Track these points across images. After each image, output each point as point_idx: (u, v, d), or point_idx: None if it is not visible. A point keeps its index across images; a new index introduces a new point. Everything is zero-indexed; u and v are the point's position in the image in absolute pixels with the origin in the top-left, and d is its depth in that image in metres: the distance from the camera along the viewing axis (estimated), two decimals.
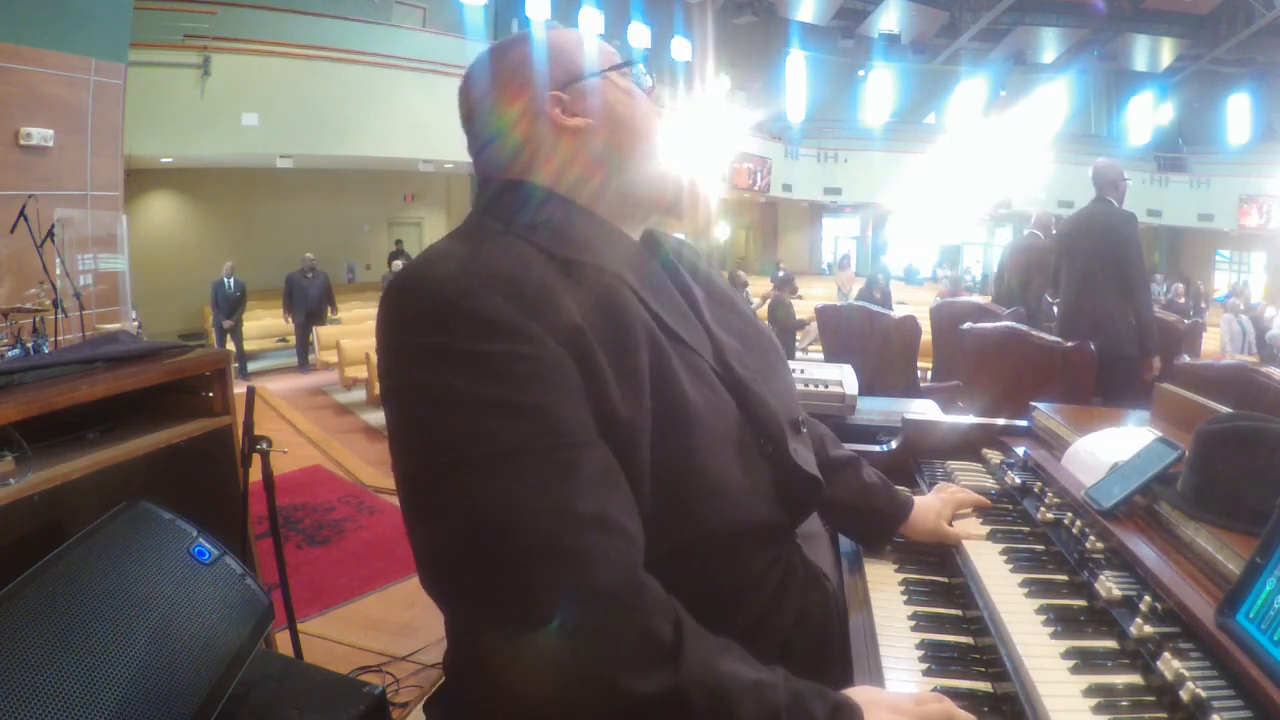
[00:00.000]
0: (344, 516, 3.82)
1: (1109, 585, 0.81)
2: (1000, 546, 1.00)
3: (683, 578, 0.67)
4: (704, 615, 0.66)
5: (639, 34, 13.43)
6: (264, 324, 9.17)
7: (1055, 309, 3.92)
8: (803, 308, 7.66)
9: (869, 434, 1.64)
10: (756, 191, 14.82)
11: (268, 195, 11.07)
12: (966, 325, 3.35)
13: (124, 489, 1.53)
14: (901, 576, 1.00)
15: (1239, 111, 15.34)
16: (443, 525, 0.62)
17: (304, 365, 8.49)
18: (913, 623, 0.89)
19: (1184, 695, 0.64)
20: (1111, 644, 0.76)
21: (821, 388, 1.74)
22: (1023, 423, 1.40)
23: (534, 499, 0.61)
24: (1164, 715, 0.65)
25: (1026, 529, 1.06)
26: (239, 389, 1.94)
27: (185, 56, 7.90)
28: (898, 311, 4.22)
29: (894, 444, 1.43)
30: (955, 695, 0.72)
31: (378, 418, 5.88)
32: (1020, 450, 1.29)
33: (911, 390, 3.36)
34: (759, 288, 9.81)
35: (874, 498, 1.03)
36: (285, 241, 10.72)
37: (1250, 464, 0.84)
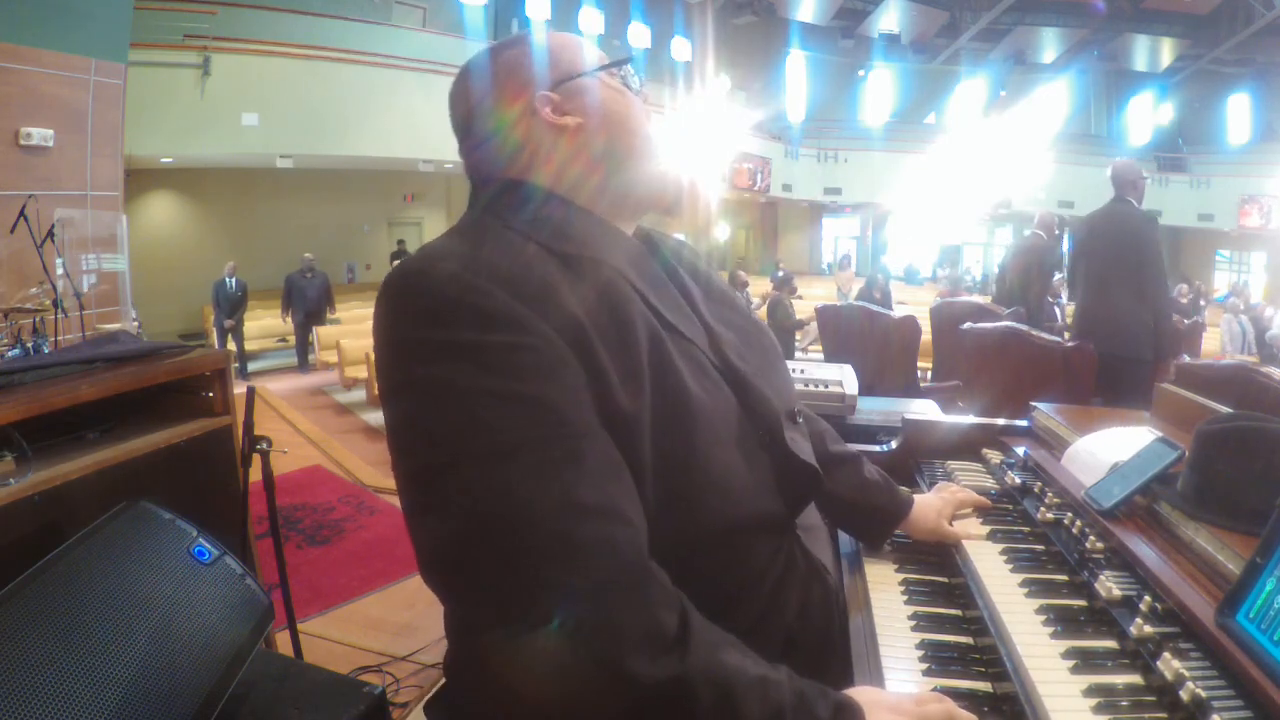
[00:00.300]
0: (344, 516, 3.82)
1: (1109, 585, 0.81)
2: (1000, 546, 1.00)
3: (684, 575, 0.67)
4: (706, 614, 0.66)
5: (639, 34, 13.42)
6: (264, 324, 9.17)
7: (1056, 309, 3.91)
8: (803, 308, 7.67)
9: (869, 434, 1.64)
10: (756, 191, 14.82)
11: (268, 195, 11.07)
12: (966, 325, 3.35)
13: (124, 489, 1.53)
14: (902, 576, 1.00)
15: (1239, 111, 15.33)
16: (445, 520, 0.62)
17: (303, 365, 8.49)
18: (913, 623, 0.89)
19: (1184, 695, 0.64)
20: (1111, 644, 0.76)
21: (821, 388, 1.74)
22: (1023, 423, 1.40)
23: (537, 490, 0.61)
24: (1164, 715, 0.65)
25: (1026, 529, 1.06)
26: (239, 389, 1.94)
27: (185, 56, 7.90)
28: (898, 311, 4.22)
29: (894, 444, 1.43)
30: (955, 695, 0.72)
31: (378, 418, 5.88)
32: (1020, 450, 1.29)
33: (911, 390, 3.36)
34: (759, 288, 9.80)
35: (875, 495, 1.03)
36: (285, 241, 10.72)
37: (1250, 464, 0.84)
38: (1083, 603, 0.84)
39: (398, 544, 3.38)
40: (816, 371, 1.80)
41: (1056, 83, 15.75)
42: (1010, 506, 1.14)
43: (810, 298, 10.05)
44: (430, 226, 13.21)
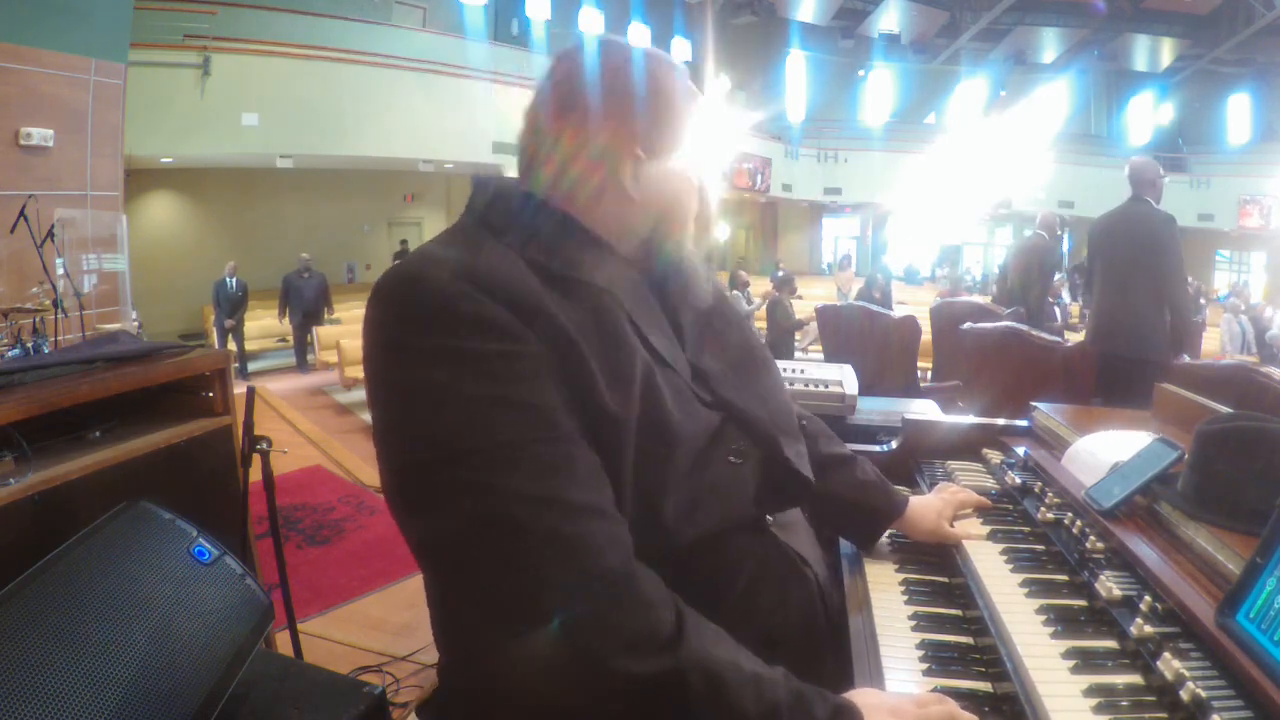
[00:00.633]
0: (344, 516, 3.82)
1: (1109, 585, 0.81)
2: (1000, 546, 1.00)
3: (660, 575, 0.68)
4: None
5: (639, 34, 13.42)
6: (264, 324, 9.16)
7: (1056, 309, 3.89)
8: (803, 308, 7.65)
9: (869, 434, 1.64)
10: (756, 191, 14.82)
11: (268, 195, 11.06)
12: (966, 325, 3.34)
13: (124, 489, 1.53)
14: (902, 577, 1.00)
15: (1239, 111, 15.34)
16: (444, 521, 0.63)
17: (302, 365, 8.48)
18: (913, 623, 0.89)
19: (1184, 695, 0.64)
20: (1112, 644, 0.76)
21: (821, 388, 1.74)
22: (1023, 423, 1.40)
23: (532, 490, 0.62)
24: (1164, 715, 0.65)
25: (1027, 529, 1.06)
26: (239, 389, 1.94)
27: (185, 56, 7.89)
28: (898, 311, 4.22)
29: (894, 444, 1.43)
30: (955, 695, 0.72)
31: None
32: (1020, 450, 1.29)
33: (911, 390, 3.36)
34: (759, 288, 9.80)
35: (871, 495, 1.04)
36: (285, 241, 10.70)
37: (1250, 464, 0.84)
38: (1083, 603, 0.84)
39: (398, 544, 3.35)
40: (816, 371, 1.80)
41: (1056, 83, 15.75)
42: (1010, 506, 1.14)
43: (810, 298, 10.05)
44: (430, 226, 13.20)
